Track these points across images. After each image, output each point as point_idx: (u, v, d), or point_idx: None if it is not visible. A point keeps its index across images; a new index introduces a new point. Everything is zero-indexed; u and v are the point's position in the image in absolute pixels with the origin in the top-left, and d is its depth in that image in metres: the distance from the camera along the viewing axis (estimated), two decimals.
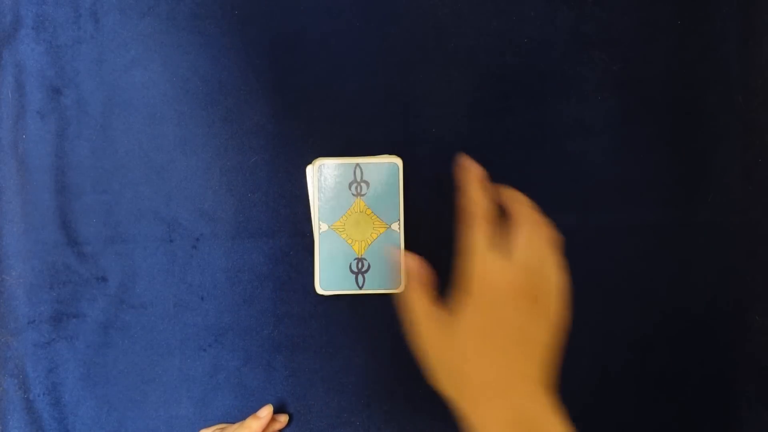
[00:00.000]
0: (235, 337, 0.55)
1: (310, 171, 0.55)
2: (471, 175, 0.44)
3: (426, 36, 0.56)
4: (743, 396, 0.55)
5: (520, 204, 0.43)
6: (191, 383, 0.55)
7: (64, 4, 0.56)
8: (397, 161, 0.55)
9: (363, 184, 0.55)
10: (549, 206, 0.56)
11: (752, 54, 0.56)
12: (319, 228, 0.55)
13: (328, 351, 0.55)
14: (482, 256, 0.40)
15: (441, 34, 0.56)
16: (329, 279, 0.55)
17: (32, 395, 0.55)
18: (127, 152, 0.56)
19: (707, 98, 0.56)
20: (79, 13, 0.56)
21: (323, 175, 0.55)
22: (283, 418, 0.54)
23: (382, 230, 0.55)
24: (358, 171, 0.55)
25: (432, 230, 0.55)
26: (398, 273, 0.55)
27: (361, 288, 0.55)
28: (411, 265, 0.44)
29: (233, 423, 0.54)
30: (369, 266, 0.55)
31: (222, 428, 0.53)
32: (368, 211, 0.55)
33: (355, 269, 0.55)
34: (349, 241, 0.55)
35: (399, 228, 0.55)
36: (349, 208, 0.55)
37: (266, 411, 0.53)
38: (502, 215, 0.43)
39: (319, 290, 0.55)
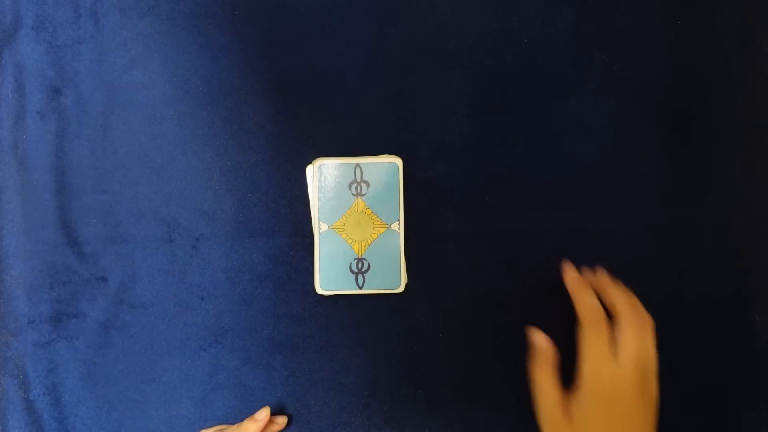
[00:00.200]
0: (235, 337, 0.55)
1: (310, 171, 0.55)
2: (574, 279, 0.51)
3: (426, 36, 0.56)
4: (743, 396, 0.55)
5: (623, 301, 0.48)
6: (191, 383, 0.55)
7: (64, 4, 0.56)
8: (397, 161, 0.55)
9: (363, 184, 0.55)
10: (549, 206, 0.56)
11: (752, 54, 0.56)
12: (319, 228, 0.55)
13: (328, 351, 0.55)
14: (598, 361, 0.46)
15: (441, 34, 0.56)
16: (329, 279, 0.55)
17: (32, 395, 0.55)
18: (127, 152, 0.56)
19: (707, 98, 0.56)
20: (79, 13, 0.56)
21: (323, 175, 0.55)
22: (282, 420, 0.54)
23: (382, 230, 0.55)
24: (358, 171, 0.55)
25: (432, 230, 0.55)
26: (399, 273, 0.55)
27: (361, 288, 0.55)
28: (539, 342, 0.50)
29: (233, 424, 0.54)
30: (369, 266, 0.55)
31: (220, 430, 0.53)
32: (368, 211, 0.55)
33: (355, 269, 0.55)
34: (349, 241, 0.55)
35: (399, 228, 0.55)
36: (349, 208, 0.55)
37: (264, 413, 0.53)
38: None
39: (319, 290, 0.55)
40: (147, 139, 0.56)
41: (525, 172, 0.56)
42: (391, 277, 0.55)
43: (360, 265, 0.55)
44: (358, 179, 0.55)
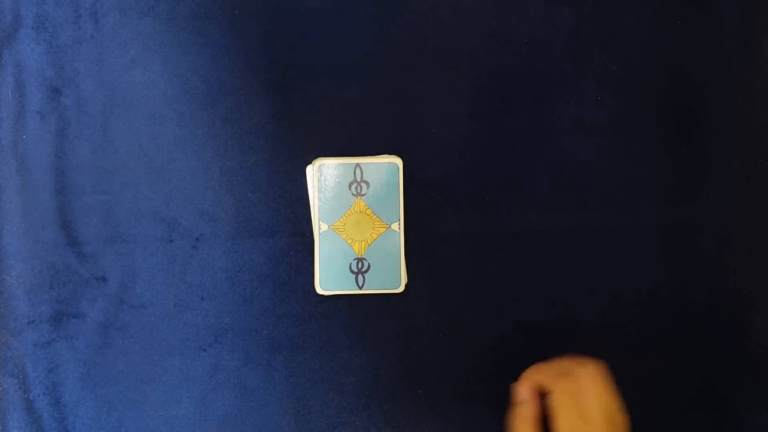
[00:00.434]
0: (235, 337, 0.55)
1: (310, 171, 0.55)
2: (525, 375, 0.49)
3: (426, 36, 0.56)
4: (743, 396, 0.55)
5: (564, 366, 0.47)
6: (191, 383, 0.55)
7: (64, 4, 0.56)
8: (397, 161, 0.55)
9: (363, 184, 0.55)
10: (549, 206, 0.56)
11: (752, 54, 0.56)
12: (319, 228, 0.55)
13: (328, 351, 0.55)
14: (573, 423, 0.46)
15: (441, 34, 0.56)
16: (329, 279, 0.55)
17: (32, 395, 0.55)
18: (127, 152, 0.56)
19: (707, 98, 0.56)
20: (79, 13, 0.56)
21: (323, 175, 0.55)
22: None
23: (382, 230, 0.55)
24: (358, 171, 0.55)
25: (432, 230, 0.55)
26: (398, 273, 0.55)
27: (361, 288, 0.55)
28: (521, 396, 0.48)
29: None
30: (369, 266, 0.55)
31: None
32: (368, 211, 0.55)
33: (355, 269, 0.55)
34: (349, 241, 0.55)
35: (399, 228, 0.55)
36: (349, 208, 0.55)
37: None
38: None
39: (319, 290, 0.55)
40: (147, 139, 0.56)
41: (525, 172, 0.56)
42: (391, 277, 0.55)
43: (360, 265, 0.55)
44: (358, 179, 0.55)
